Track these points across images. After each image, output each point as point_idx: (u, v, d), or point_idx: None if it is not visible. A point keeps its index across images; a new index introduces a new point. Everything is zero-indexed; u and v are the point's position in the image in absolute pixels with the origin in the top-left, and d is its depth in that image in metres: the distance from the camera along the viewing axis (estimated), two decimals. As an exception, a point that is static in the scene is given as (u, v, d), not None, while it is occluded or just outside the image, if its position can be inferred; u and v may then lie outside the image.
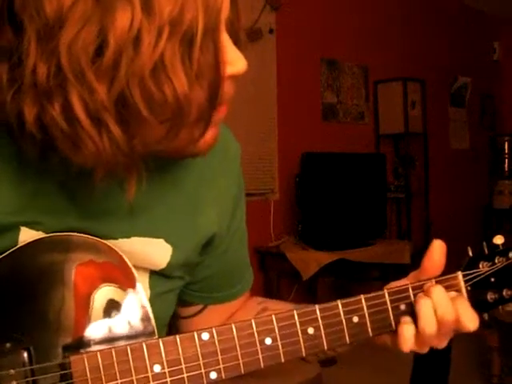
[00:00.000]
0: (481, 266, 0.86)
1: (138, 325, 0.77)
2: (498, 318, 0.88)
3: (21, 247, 0.74)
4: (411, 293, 0.83)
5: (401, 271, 4.60)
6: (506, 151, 6.08)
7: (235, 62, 0.71)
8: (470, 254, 0.87)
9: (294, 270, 3.93)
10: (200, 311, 0.99)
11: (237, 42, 0.73)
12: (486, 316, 0.86)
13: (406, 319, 0.81)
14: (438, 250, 0.84)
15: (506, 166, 6.06)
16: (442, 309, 0.80)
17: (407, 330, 0.81)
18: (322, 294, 4.12)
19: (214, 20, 0.64)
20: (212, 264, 0.96)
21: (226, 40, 0.70)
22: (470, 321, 0.80)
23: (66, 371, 0.71)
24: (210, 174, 0.91)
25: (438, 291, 0.81)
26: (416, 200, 5.47)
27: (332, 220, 4.36)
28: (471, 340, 3.41)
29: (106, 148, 0.64)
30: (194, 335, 0.74)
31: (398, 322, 0.82)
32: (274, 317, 0.77)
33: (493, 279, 0.86)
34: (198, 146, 0.73)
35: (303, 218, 4.20)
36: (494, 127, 6.86)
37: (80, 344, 0.74)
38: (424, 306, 0.80)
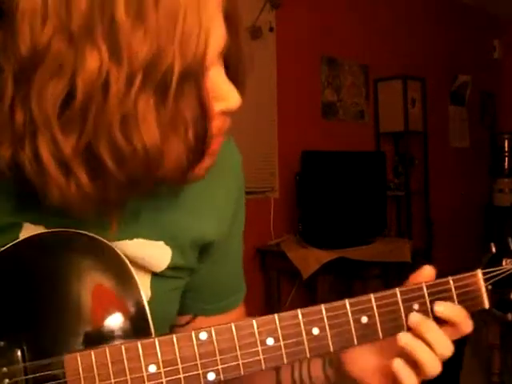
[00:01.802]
0: (504, 263, 0.81)
1: (135, 326, 0.75)
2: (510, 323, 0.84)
3: (19, 242, 0.73)
4: (425, 291, 0.79)
5: (401, 269, 4.61)
6: (506, 149, 6.06)
7: (228, 98, 0.69)
8: (494, 250, 0.83)
9: (294, 269, 3.91)
10: (190, 321, 0.98)
11: (238, 74, 0.72)
12: (509, 316, 0.82)
13: (397, 364, 0.78)
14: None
15: (506, 164, 6.05)
16: (441, 347, 0.77)
17: (405, 373, 0.77)
18: (322, 293, 4.11)
19: (197, 63, 0.61)
20: (204, 272, 0.94)
21: (217, 75, 0.68)
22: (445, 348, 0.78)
23: (59, 370, 0.69)
24: (210, 183, 0.88)
25: (431, 330, 0.77)
26: (416, 198, 5.46)
27: (332, 218, 4.34)
28: (471, 337, 3.42)
29: (73, 195, 0.63)
30: (191, 335, 0.72)
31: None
32: (276, 316, 0.74)
33: None
34: (190, 175, 0.71)
35: (303, 216, 4.18)
36: (494, 125, 6.85)
37: (74, 343, 0.72)
38: (422, 351, 0.76)
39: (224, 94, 0.68)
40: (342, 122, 5.07)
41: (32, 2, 0.58)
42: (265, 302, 4.14)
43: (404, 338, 0.77)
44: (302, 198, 4.20)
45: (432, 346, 0.77)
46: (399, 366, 0.78)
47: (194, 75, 0.61)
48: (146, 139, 0.60)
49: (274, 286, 4.24)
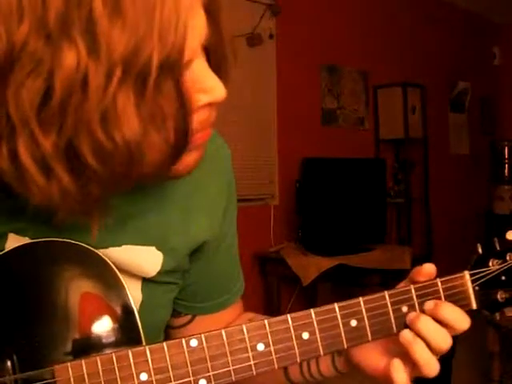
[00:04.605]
0: (491, 263, 0.82)
1: (125, 334, 0.74)
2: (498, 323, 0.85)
3: (7, 252, 0.73)
4: (414, 294, 0.80)
5: (401, 277, 4.57)
6: (506, 156, 6.06)
7: (212, 90, 0.68)
8: (480, 251, 0.83)
9: (294, 276, 3.91)
10: (189, 322, 0.97)
11: (221, 67, 0.71)
12: (497, 316, 0.82)
13: (396, 365, 0.79)
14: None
15: (506, 171, 6.05)
16: (438, 342, 0.77)
17: (400, 376, 0.78)
18: (322, 300, 4.11)
19: (176, 54, 0.60)
20: (196, 271, 0.93)
21: (201, 67, 0.67)
22: (462, 324, 0.78)
23: (49, 380, 0.69)
24: (201, 180, 0.88)
25: (428, 323, 0.78)
26: (416, 205, 5.46)
27: (332, 225, 4.34)
28: (471, 344, 3.41)
29: (54, 195, 0.62)
30: (181, 342, 0.71)
31: (399, 325, 0.79)
32: (266, 321, 0.74)
33: (504, 277, 0.81)
34: (178, 169, 0.71)
35: (303, 223, 4.18)
36: (493, 132, 6.85)
37: (65, 352, 0.72)
38: (420, 353, 0.77)
39: (209, 86, 0.68)
40: (342, 128, 5.07)
41: (6, 1, 0.57)
42: (264, 309, 4.13)
43: (404, 335, 0.78)
44: (301, 205, 4.20)
45: (428, 340, 0.77)
46: (397, 365, 0.79)
47: (172, 67, 0.61)
48: (127, 134, 0.60)
49: (273, 293, 4.23)
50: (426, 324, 0.78)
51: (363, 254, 4.20)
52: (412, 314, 0.79)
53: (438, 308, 0.79)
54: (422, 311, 0.79)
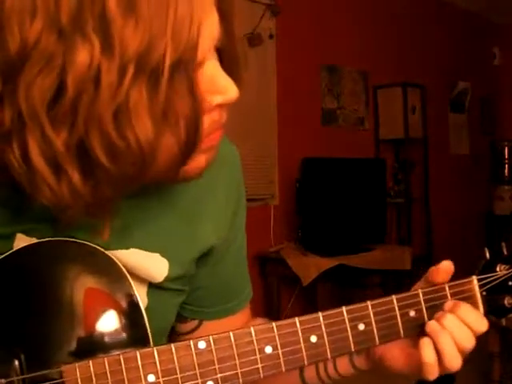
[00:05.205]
0: (498, 268, 0.82)
1: (132, 334, 0.74)
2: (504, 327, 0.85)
3: (14, 252, 0.72)
4: (421, 298, 0.80)
5: (401, 277, 4.59)
6: (506, 156, 6.07)
7: (225, 90, 0.68)
8: (488, 255, 0.83)
9: (293, 276, 3.91)
10: (196, 328, 0.96)
11: (233, 68, 0.71)
12: (503, 321, 0.83)
13: (426, 342, 0.79)
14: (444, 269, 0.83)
15: (506, 171, 6.06)
16: (463, 341, 0.78)
17: (429, 352, 0.78)
18: (322, 300, 4.11)
19: (189, 53, 0.60)
20: (203, 275, 0.92)
21: (214, 68, 0.67)
22: (480, 326, 0.79)
23: (57, 381, 0.68)
24: (208, 185, 0.87)
25: (453, 321, 0.78)
26: (416, 205, 5.46)
27: (332, 225, 4.34)
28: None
29: (65, 195, 0.61)
30: (190, 344, 0.71)
31: (406, 329, 0.80)
32: (274, 324, 0.74)
33: (511, 283, 0.82)
34: (188, 172, 0.70)
35: (303, 223, 4.18)
36: (493, 132, 6.85)
37: (73, 352, 0.71)
38: (446, 344, 0.77)
39: (221, 87, 0.68)
40: (342, 128, 5.07)
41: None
42: (265, 308, 4.13)
43: (431, 325, 0.79)
44: (301, 205, 4.20)
45: (452, 335, 0.78)
46: (427, 342, 0.79)
47: (185, 66, 0.61)
48: (139, 132, 0.59)
49: (273, 293, 4.23)
50: (451, 320, 0.78)
51: (363, 254, 4.20)
52: (438, 313, 0.80)
53: (457, 308, 0.79)
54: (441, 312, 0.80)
